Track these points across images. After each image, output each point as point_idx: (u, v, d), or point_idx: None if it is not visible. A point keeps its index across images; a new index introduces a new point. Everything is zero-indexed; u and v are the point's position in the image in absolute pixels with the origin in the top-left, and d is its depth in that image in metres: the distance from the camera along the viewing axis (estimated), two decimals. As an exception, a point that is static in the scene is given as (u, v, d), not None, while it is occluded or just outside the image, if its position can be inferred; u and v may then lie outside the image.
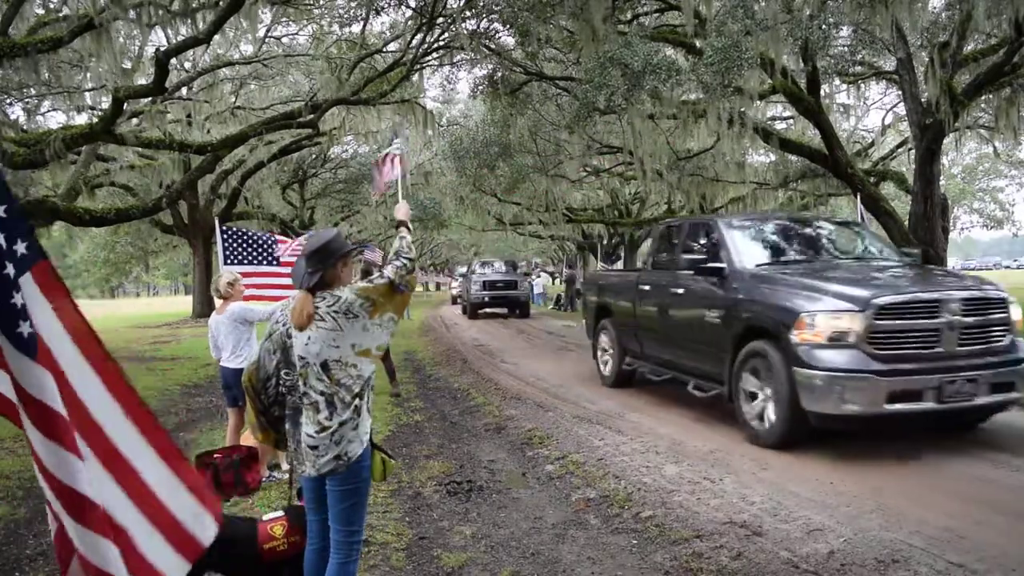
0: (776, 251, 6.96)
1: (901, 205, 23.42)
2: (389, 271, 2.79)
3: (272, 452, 5.37)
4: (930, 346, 5.20)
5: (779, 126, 19.59)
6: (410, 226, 3.12)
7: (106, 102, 13.60)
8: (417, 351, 13.61)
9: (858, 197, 11.63)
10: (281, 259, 7.19)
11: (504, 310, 22.97)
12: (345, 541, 2.72)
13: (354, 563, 2.76)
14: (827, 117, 13.67)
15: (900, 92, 16.04)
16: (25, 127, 14.48)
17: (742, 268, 6.38)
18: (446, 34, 13.78)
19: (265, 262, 7.12)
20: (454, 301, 31.31)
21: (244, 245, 7.12)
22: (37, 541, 4.25)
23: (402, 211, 3.18)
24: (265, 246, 7.21)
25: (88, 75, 14.14)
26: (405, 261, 2.83)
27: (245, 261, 7.05)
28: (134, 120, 15.66)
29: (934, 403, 5.06)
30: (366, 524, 2.90)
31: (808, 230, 7.45)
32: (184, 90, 16.24)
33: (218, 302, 5.64)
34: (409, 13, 13.85)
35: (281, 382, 2.79)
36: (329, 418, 2.65)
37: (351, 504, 2.71)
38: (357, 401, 2.68)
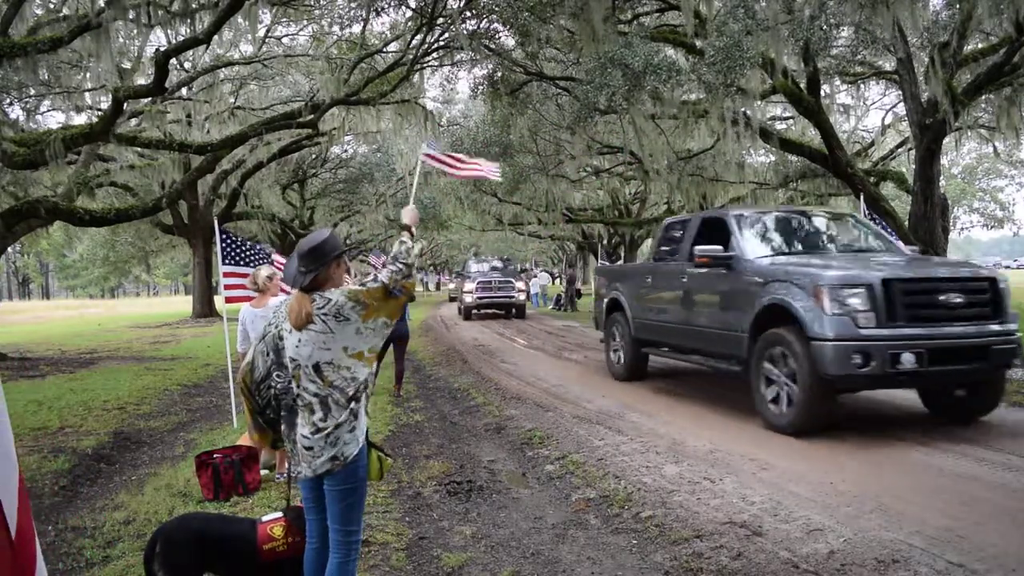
0: None
1: (901, 205, 23.40)
2: (384, 275, 2.73)
3: (270, 453, 5.38)
4: None
5: (779, 126, 19.59)
6: (414, 231, 3.02)
7: (106, 102, 13.61)
8: (417, 351, 13.60)
9: (861, 198, 11.61)
10: (276, 262, 7.23)
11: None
12: (344, 541, 2.72)
13: (353, 562, 2.76)
14: (827, 117, 13.66)
15: (900, 92, 16.03)
16: (25, 127, 14.49)
17: None
18: (446, 34, 13.78)
19: (263, 263, 7.16)
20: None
21: (242, 248, 7.17)
22: None
23: (408, 216, 3.08)
24: (262, 253, 7.29)
25: (88, 75, 14.16)
26: (402, 266, 2.75)
27: (243, 262, 7.08)
28: (134, 120, 15.68)
29: None
30: (365, 524, 2.90)
31: None
32: (184, 90, 16.24)
33: (253, 295, 5.62)
34: (409, 13, 13.87)
35: (273, 384, 2.77)
36: (324, 419, 2.64)
37: (349, 503, 2.71)
38: (353, 404, 2.67)
